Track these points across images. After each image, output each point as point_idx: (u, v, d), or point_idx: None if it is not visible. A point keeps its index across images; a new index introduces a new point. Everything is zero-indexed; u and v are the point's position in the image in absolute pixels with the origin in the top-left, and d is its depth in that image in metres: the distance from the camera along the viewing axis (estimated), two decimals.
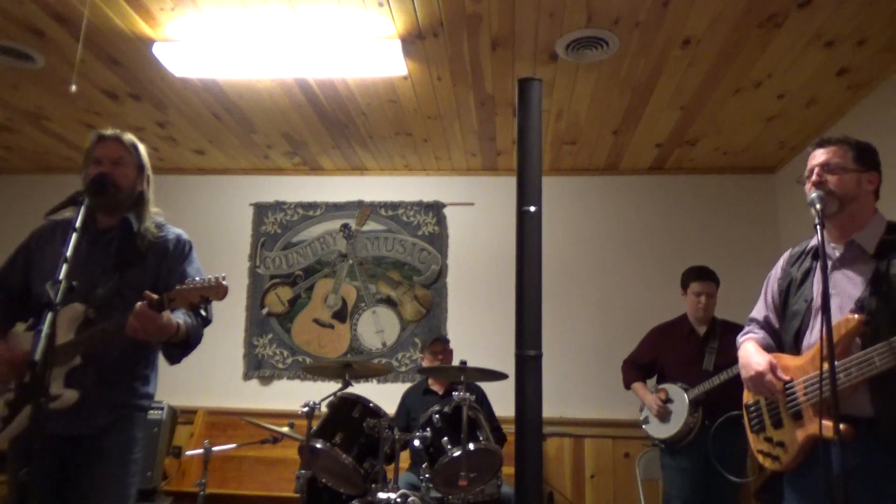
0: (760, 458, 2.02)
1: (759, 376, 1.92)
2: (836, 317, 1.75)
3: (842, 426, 1.63)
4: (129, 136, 2.19)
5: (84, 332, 2.01)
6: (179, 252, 2.22)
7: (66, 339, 1.99)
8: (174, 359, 2.18)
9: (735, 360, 3.21)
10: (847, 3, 2.75)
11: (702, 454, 3.24)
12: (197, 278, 1.98)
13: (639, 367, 3.65)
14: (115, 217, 2.16)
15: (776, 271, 2.12)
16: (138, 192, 2.18)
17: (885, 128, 3.36)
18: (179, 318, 2.05)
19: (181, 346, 2.12)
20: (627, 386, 3.67)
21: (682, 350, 3.48)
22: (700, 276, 3.50)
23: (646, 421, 3.53)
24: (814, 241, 1.97)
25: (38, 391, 1.47)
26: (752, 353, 2.01)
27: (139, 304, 1.88)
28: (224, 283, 1.94)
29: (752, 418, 2.08)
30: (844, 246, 1.87)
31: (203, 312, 2.07)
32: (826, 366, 1.62)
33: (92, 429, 2.02)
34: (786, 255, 2.12)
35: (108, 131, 2.17)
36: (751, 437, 2.08)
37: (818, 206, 1.80)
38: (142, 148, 2.22)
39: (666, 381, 3.48)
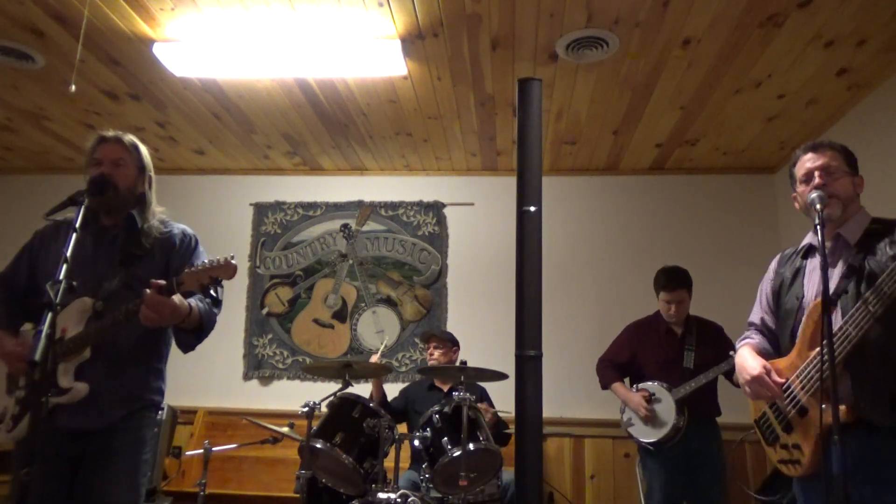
0: (783, 468, 1.96)
1: (755, 380, 1.91)
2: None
3: (842, 408, 1.66)
4: (130, 137, 2.19)
5: (93, 324, 2.00)
6: (186, 246, 2.22)
7: (75, 333, 1.99)
8: (188, 345, 2.15)
9: (713, 358, 3.23)
10: (847, 3, 2.75)
11: (681, 452, 3.22)
12: (205, 260, 1.97)
13: (616, 367, 3.55)
14: (117, 217, 2.16)
15: (768, 274, 2.14)
16: (139, 193, 2.18)
17: (885, 128, 3.36)
18: (192, 302, 2.04)
19: (195, 332, 2.10)
20: (606, 386, 3.53)
21: (661, 349, 3.42)
22: (667, 286, 3.41)
23: (629, 423, 3.38)
24: (805, 241, 2.01)
25: (38, 392, 1.47)
26: (746, 359, 1.99)
27: (148, 291, 1.87)
28: (233, 262, 1.94)
29: (764, 432, 2.03)
30: (832, 241, 1.90)
31: (213, 293, 2.05)
32: (821, 366, 1.63)
33: (104, 423, 2.01)
34: (777, 258, 2.15)
35: (110, 132, 2.17)
36: (768, 451, 2.02)
37: (818, 206, 1.80)
38: (143, 149, 2.22)
39: (645, 381, 3.39)
